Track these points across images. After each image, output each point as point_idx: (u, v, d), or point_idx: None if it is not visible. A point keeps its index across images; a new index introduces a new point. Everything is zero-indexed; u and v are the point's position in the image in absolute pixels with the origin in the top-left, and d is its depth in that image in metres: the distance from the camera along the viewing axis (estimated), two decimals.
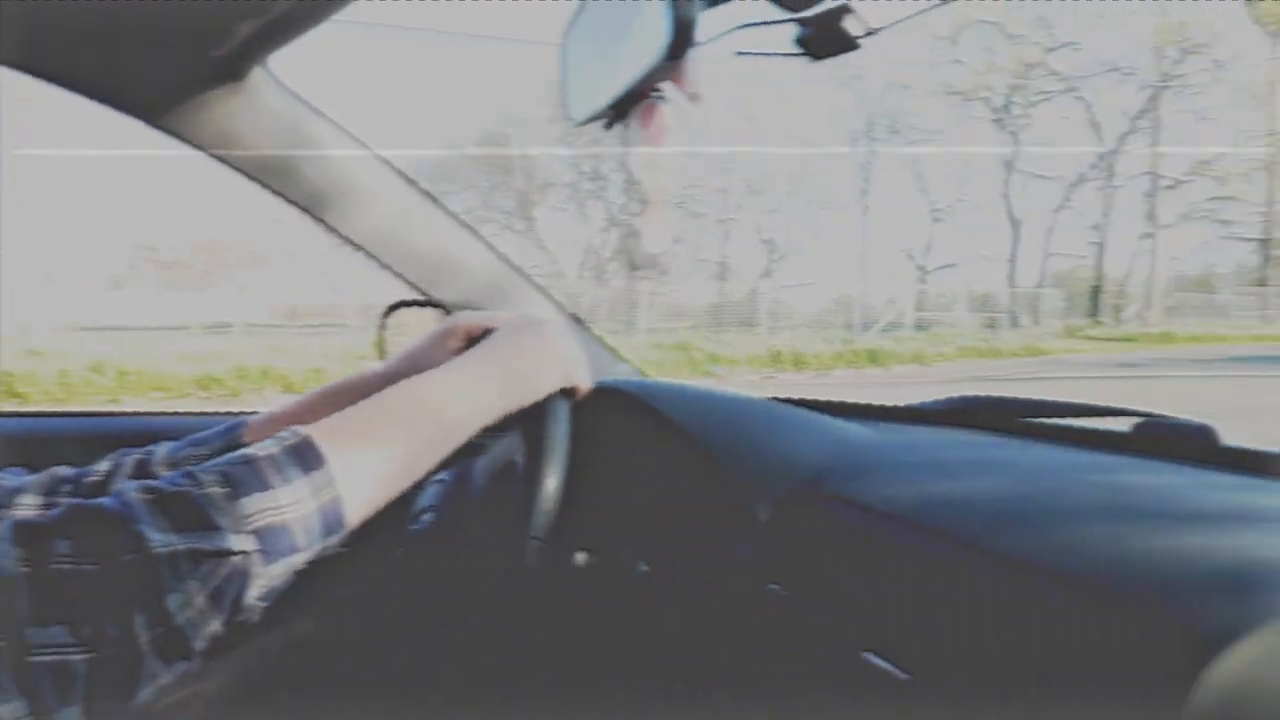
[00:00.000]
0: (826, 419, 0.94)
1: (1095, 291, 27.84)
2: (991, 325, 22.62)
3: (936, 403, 1.08)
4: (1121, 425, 0.91)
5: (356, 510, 0.65)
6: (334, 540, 0.64)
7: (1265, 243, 33.28)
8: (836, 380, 12.58)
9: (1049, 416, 0.99)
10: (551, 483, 0.74)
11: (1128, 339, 22.11)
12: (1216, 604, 0.50)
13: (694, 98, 0.50)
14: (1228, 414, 7.45)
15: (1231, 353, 18.03)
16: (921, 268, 29.46)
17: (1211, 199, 28.77)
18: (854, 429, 0.94)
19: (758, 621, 0.72)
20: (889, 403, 1.12)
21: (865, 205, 29.36)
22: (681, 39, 0.47)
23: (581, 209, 26.10)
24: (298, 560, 0.61)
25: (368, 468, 0.65)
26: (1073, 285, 30.45)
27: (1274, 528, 0.61)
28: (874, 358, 14.84)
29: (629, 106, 0.52)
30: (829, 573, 0.70)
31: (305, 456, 0.63)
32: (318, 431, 0.65)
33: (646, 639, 0.78)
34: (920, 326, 21.24)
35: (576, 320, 1.26)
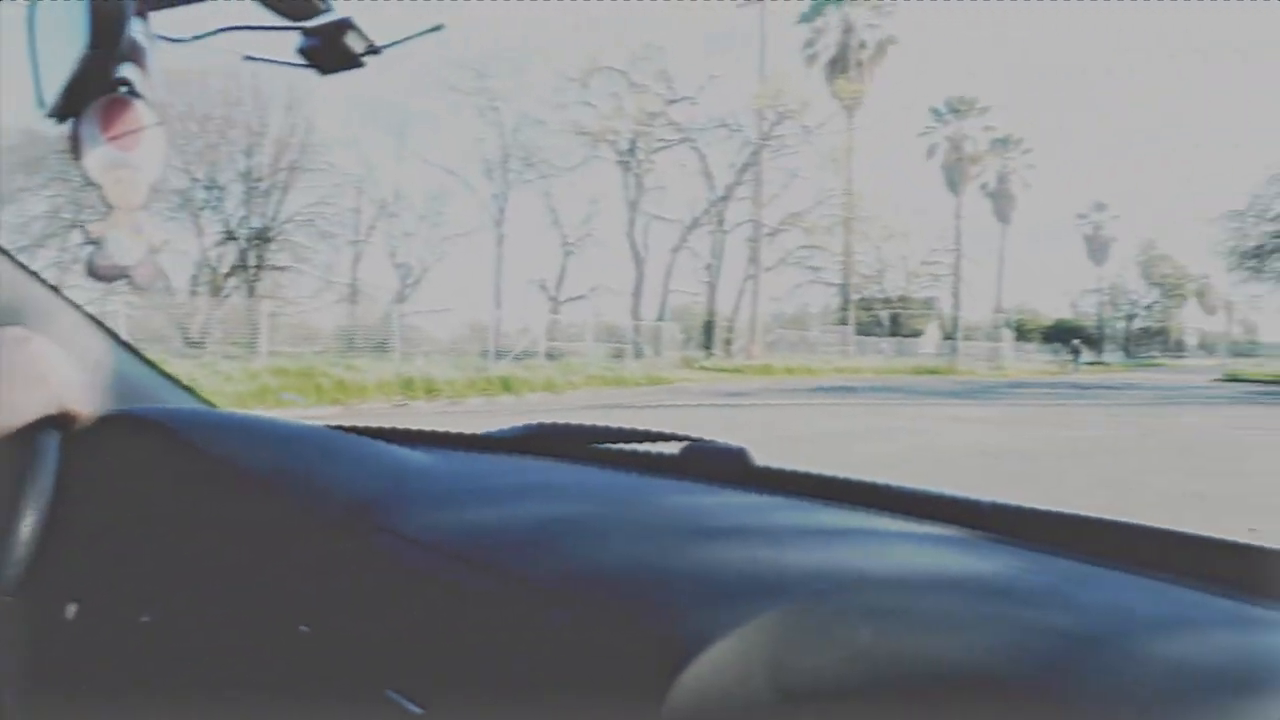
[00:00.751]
0: (386, 448, 0.91)
1: (708, 326, 30.59)
2: (618, 355, 23.96)
3: (510, 430, 1.09)
4: (674, 449, 0.97)
5: None
6: None
7: (844, 287, 38.60)
8: (470, 408, 12.61)
9: (613, 442, 1.03)
10: (26, 527, 0.64)
11: (736, 370, 24.50)
12: (702, 611, 0.53)
13: (160, 97, 0.46)
14: (807, 437, 8.49)
15: (817, 384, 20.65)
16: (554, 298, 30.56)
17: (802, 247, 32.87)
18: (415, 457, 0.92)
19: (284, 666, 0.67)
20: (467, 431, 1.11)
21: (500, 234, 29.95)
22: (105, 28, 0.42)
23: (195, 218, 23.91)
24: None
25: None
26: (689, 320, 33.20)
27: (782, 540, 0.67)
28: (508, 385, 15.08)
29: (82, 99, 0.46)
30: (365, 608, 0.68)
31: None
32: None
33: (154, 694, 0.70)
34: (552, 355, 21.94)
35: (119, 341, 1.12)
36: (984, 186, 46.17)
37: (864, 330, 38.96)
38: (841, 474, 0.83)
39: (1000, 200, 46.42)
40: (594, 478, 0.91)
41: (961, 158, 41.82)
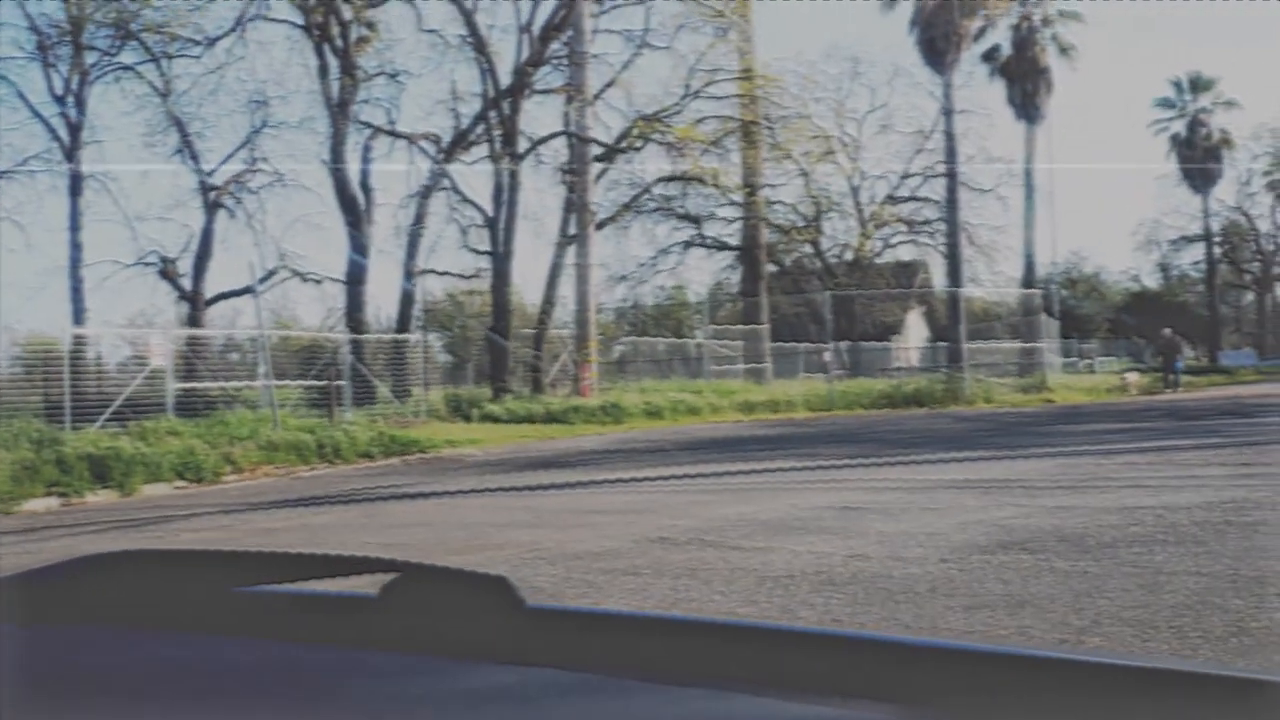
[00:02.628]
0: None
1: (496, 338, 30.84)
2: (323, 403, 23.88)
3: (61, 567, 1.07)
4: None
5: None
6: None
7: (748, 252, 39.59)
8: (24, 522, 12.32)
9: (267, 581, 1.04)
10: None
11: (553, 417, 24.87)
12: None
13: None
14: (686, 534, 8.65)
15: (708, 434, 21.11)
16: (190, 295, 30.22)
17: (666, 180, 33.50)
18: None
19: None
20: None
21: (77, 170, 29.38)
22: None
23: None
24: None
25: None
26: (460, 327, 33.47)
27: None
28: (103, 473, 15.08)
29: None
30: None
31: None
32: None
33: None
34: (194, 409, 21.76)
35: None
36: (990, 56, 48.20)
37: (788, 329, 39.87)
38: (676, 613, 0.90)
39: (1021, 80, 48.41)
40: (215, 654, 0.91)
41: (947, 4, 43.53)
